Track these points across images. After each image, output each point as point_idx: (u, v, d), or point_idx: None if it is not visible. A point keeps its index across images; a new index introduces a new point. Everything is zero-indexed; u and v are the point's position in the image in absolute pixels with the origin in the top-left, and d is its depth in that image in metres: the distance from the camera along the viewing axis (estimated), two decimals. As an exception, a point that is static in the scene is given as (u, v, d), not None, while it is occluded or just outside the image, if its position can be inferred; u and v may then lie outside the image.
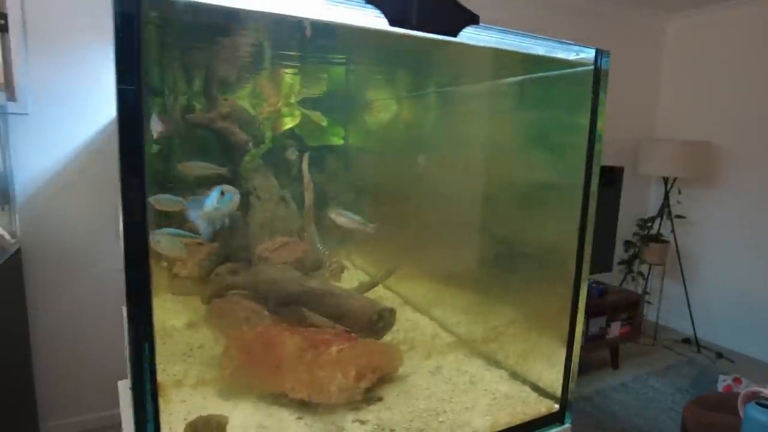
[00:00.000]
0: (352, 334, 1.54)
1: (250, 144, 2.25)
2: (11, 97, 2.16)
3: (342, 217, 1.23)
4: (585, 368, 3.46)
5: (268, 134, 2.69)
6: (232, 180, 2.34)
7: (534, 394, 1.57)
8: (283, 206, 2.22)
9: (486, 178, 1.99)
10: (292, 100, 2.93)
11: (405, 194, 2.46)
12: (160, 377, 0.89)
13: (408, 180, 2.42)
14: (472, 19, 1.08)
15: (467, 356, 1.81)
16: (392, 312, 1.67)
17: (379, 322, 1.61)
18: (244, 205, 2.27)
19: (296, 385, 1.44)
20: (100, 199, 2.41)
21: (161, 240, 1.11)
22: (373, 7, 0.99)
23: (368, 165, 2.88)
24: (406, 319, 2.10)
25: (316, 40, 1.66)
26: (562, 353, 1.56)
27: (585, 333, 3.35)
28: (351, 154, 3.05)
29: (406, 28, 1.01)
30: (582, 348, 2.59)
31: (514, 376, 1.66)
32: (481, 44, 1.14)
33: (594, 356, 3.61)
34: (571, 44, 1.33)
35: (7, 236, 2.19)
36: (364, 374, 1.46)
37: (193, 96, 2.60)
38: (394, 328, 2.00)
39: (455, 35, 1.06)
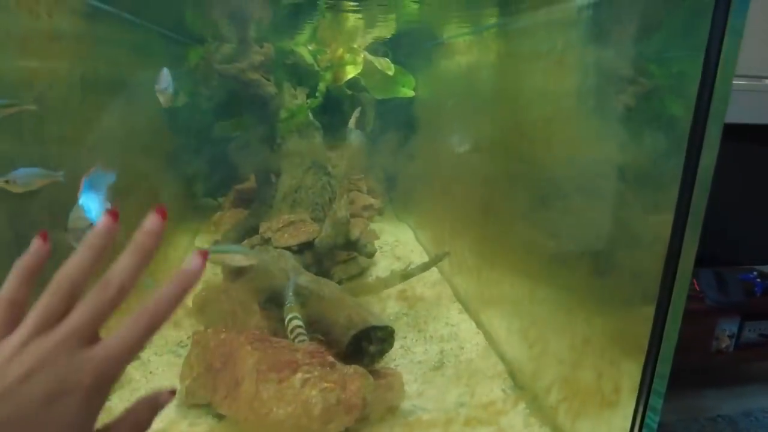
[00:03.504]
0: (329, 357, 1.16)
1: (278, 99, 1.90)
2: None
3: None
4: (732, 380, 2.67)
5: (321, 86, 2.32)
6: (268, 140, 2.05)
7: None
8: (315, 174, 1.86)
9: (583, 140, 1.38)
10: (355, 44, 2.49)
11: (472, 160, 1.93)
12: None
13: (476, 141, 1.88)
14: None
15: (509, 391, 1.32)
16: (388, 333, 1.24)
17: (364, 344, 1.20)
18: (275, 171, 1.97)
19: (249, 417, 1.13)
20: None
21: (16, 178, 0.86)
22: None
23: (436, 120, 2.36)
24: (447, 323, 1.65)
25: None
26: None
27: (736, 337, 2.57)
28: (418, 109, 2.55)
29: None
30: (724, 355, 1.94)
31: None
32: None
33: (749, 369, 2.76)
34: None
35: None
36: (333, 415, 1.09)
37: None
38: (428, 334, 1.58)
39: None
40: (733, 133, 1.00)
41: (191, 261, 0.35)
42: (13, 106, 0.87)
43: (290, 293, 1.18)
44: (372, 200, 2.59)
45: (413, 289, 1.81)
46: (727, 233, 1.80)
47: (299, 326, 1.08)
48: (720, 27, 0.81)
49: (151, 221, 0.35)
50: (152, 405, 0.35)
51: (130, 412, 0.34)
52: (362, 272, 1.92)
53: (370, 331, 1.22)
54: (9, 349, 0.30)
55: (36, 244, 0.35)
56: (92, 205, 0.79)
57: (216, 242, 1.84)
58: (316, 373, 1.12)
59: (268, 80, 1.91)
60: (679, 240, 0.92)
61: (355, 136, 1.72)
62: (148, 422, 0.35)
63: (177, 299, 0.34)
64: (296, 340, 1.08)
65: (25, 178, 0.88)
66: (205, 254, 0.36)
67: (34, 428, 0.28)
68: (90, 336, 0.32)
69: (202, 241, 2.29)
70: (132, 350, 0.32)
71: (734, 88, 0.82)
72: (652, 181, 1.02)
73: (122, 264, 0.33)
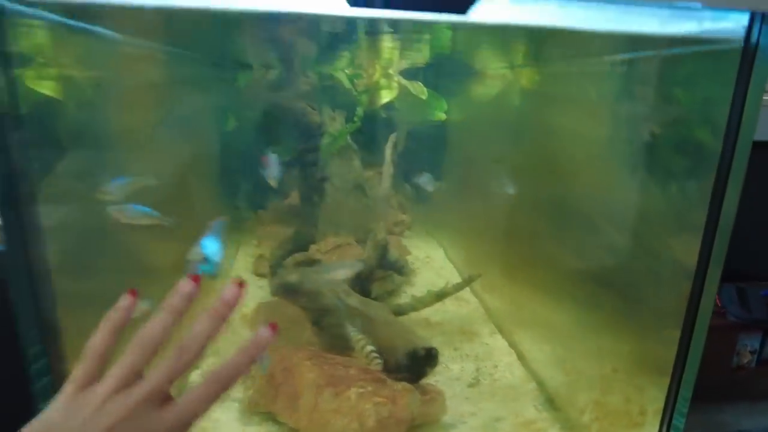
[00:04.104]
0: (380, 374, 1.29)
1: (323, 128, 2.04)
2: None
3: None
4: (753, 395, 2.70)
5: (359, 110, 2.45)
6: (312, 164, 2.19)
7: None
8: (356, 196, 1.99)
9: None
10: (391, 70, 2.62)
11: (503, 181, 2.03)
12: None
13: (508, 163, 1.98)
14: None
15: (541, 408, 1.44)
16: (433, 354, 1.37)
17: (412, 363, 1.33)
18: (318, 193, 2.10)
19: (308, 427, 1.26)
20: None
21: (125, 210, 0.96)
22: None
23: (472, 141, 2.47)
24: (482, 342, 1.76)
25: None
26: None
27: (758, 353, 2.62)
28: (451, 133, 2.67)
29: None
30: (746, 371, 1.98)
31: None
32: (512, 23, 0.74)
33: (772, 384, 2.78)
34: (694, 7, 0.81)
35: None
36: (385, 427, 1.22)
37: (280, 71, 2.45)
38: (463, 352, 1.71)
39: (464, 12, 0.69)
40: (758, 149, 1.07)
41: (260, 332, 0.37)
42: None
43: (350, 325, 1.31)
44: (402, 216, 2.72)
45: (447, 308, 1.93)
46: (749, 248, 1.85)
47: (373, 350, 1.23)
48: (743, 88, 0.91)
49: (230, 292, 0.37)
50: None
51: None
52: (396, 288, 2.05)
53: (415, 351, 1.34)
54: (97, 400, 0.33)
55: (125, 301, 0.37)
56: (210, 245, 0.92)
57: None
58: (369, 389, 1.25)
59: (314, 109, 2.04)
60: (703, 272, 1.01)
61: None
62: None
63: (245, 367, 0.36)
64: (372, 363, 1.23)
65: (135, 212, 0.98)
66: (275, 327, 0.37)
67: None
68: (165, 395, 0.35)
69: (245, 255, 2.44)
70: (201, 412, 0.35)
71: (763, 103, 0.86)
72: (679, 211, 1.11)
73: (199, 329, 0.36)
